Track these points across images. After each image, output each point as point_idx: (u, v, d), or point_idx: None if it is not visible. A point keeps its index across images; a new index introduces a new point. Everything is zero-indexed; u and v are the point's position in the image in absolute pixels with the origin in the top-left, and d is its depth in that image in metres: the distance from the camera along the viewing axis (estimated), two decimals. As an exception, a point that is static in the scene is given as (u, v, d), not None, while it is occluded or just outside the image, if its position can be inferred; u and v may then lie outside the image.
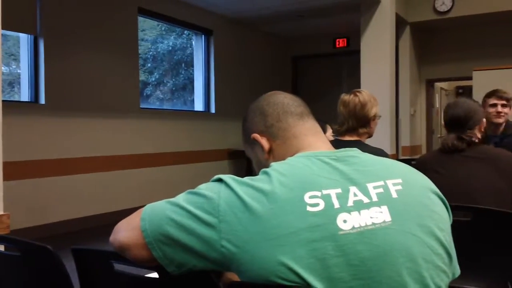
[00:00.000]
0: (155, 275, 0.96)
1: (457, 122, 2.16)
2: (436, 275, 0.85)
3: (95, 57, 5.37)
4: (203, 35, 7.06)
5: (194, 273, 0.88)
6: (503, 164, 2.11)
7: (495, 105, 3.13)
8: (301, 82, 9.21)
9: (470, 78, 7.04)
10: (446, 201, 0.97)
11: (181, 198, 0.89)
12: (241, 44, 7.71)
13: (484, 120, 2.25)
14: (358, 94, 2.36)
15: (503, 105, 3.11)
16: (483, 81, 6.61)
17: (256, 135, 1.06)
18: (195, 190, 0.90)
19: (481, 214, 1.93)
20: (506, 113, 3.07)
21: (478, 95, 4.96)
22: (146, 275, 1.04)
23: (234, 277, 0.92)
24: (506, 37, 7.56)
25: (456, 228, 1.75)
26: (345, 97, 2.39)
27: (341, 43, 8.32)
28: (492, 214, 1.95)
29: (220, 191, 0.87)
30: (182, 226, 0.85)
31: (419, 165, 2.32)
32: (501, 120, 3.04)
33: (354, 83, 6.33)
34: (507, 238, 1.92)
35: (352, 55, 7.19)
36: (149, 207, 0.91)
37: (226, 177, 0.89)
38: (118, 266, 1.00)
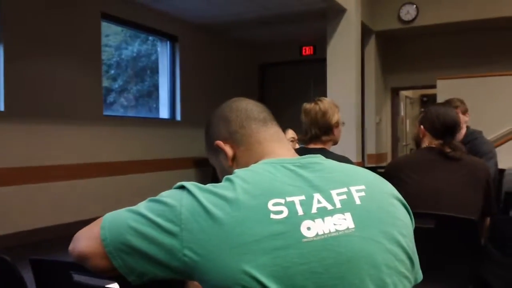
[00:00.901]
0: (116, 285, 0.95)
1: (450, 130, 2.21)
2: (398, 281, 0.86)
3: (57, 63, 5.23)
4: (168, 42, 6.98)
5: (156, 282, 0.87)
6: (480, 173, 2.13)
7: None
8: (268, 89, 9.22)
9: (434, 87, 7.19)
10: (409, 208, 0.97)
11: (142, 206, 0.88)
12: (208, 51, 7.67)
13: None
14: (318, 102, 2.38)
15: None
16: (447, 89, 6.75)
17: (219, 142, 1.05)
18: (157, 197, 0.89)
19: (445, 221, 1.93)
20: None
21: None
22: (107, 286, 1.03)
23: (196, 286, 0.91)
24: (470, 47, 7.77)
25: (420, 235, 1.73)
26: (306, 106, 2.41)
27: (307, 51, 8.38)
28: (455, 221, 1.95)
29: (182, 198, 0.85)
30: (143, 235, 0.84)
31: (393, 169, 2.32)
32: None
33: (321, 91, 6.36)
34: (469, 245, 1.92)
35: (319, 63, 7.24)
36: (109, 216, 0.90)
37: (189, 184, 0.88)
38: (78, 277, 0.99)
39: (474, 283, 1.92)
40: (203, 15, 6.73)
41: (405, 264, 0.88)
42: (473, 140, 3.18)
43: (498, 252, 1.96)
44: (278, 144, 1.04)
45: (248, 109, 1.06)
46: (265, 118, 1.06)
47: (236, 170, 0.92)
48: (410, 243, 0.91)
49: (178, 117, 7.04)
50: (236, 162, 1.03)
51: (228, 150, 1.03)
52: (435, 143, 2.20)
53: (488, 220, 2.19)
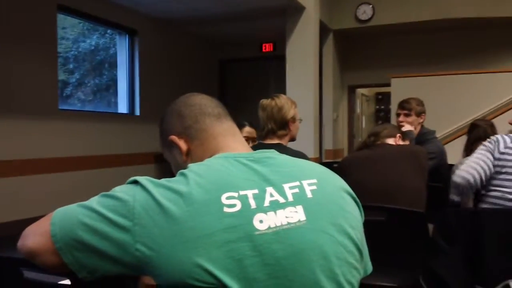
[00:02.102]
0: (67, 282, 0.93)
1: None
2: (348, 272, 0.89)
3: (10, 55, 5.06)
4: (127, 35, 6.87)
5: (108, 278, 0.86)
6: (420, 159, 2.28)
7: (398, 115, 3.38)
8: (228, 85, 9.22)
9: (389, 85, 7.39)
10: (359, 201, 1.01)
11: (95, 201, 0.87)
12: (168, 45, 7.59)
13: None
14: (275, 98, 2.45)
15: (405, 115, 3.34)
16: (400, 88, 6.97)
17: (173, 137, 1.05)
18: (109, 192, 0.88)
19: (395, 214, 2.02)
20: (409, 122, 3.29)
21: (395, 101, 5.20)
22: (59, 282, 1.00)
23: (150, 281, 0.91)
24: (423, 46, 8.01)
25: (372, 228, 1.81)
26: (263, 101, 2.47)
27: (267, 47, 8.42)
28: (405, 214, 2.05)
29: (136, 193, 0.85)
30: (95, 230, 0.83)
31: (345, 164, 2.42)
32: (404, 129, 3.22)
33: (280, 88, 6.43)
34: (419, 236, 2.01)
35: (279, 60, 7.30)
36: (60, 211, 0.88)
37: (142, 179, 0.88)
38: (28, 274, 0.96)
39: (423, 274, 2.01)
40: (163, 9, 6.66)
41: (355, 255, 0.91)
42: (425, 141, 3.31)
43: (446, 242, 2.06)
44: (232, 138, 1.05)
45: (203, 104, 1.07)
46: (220, 113, 1.07)
47: (190, 165, 0.92)
48: (359, 235, 0.94)
49: (137, 111, 6.95)
50: (190, 156, 1.04)
51: (182, 145, 1.04)
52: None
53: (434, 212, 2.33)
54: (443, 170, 3.21)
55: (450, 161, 3.55)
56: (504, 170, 2.09)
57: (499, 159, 2.12)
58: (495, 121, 3.65)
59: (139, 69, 6.92)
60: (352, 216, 0.94)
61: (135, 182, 0.88)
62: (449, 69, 7.44)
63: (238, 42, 8.63)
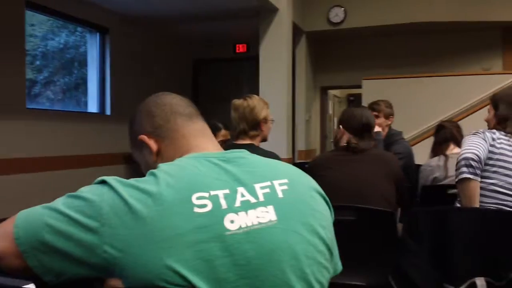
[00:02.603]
0: (32, 285, 0.92)
1: (367, 129, 2.46)
2: (317, 271, 0.89)
3: (-25, 52, 4.92)
4: (98, 33, 6.77)
5: (75, 281, 0.83)
6: (391, 166, 2.32)
7: None
8: (202, 85, 9.18)
9: (360, 87, 7.50)
10: (329, 201, 1.02)
11: (60, 202, 0.85)
12: (140, 44, 7.51)
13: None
14: (247, 98, 2.47)
15: (374, 116, 3.39)
16: (371, 89, 7.09)
17: (143, 137, 1.04)
18: (76, 193, 0.86)
19: (365, 214, 2.05)
20: (378, 124, 3.36)
21: (367, 102, 5.28)
22: (24, 286, 0.98)
23: (117, 284, 0.88)
24: (393, 49, 8.15)
25: (343, 227, 1.83)
26: (236, 102, 2.48)
27: (241, 48, 8.42)
28: (374, 214, 2.08)
29: (103, 193, 0.84)
30: (61, 232, 0.81)
31: (315, 165, 2.45)
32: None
33: (253, 88, 6.44)
34: (388, 235, 2.05)
35: (252, 61, 7.31)
36: (24, 213, 0.86)
37: (110, 179, 0.87)
38: None
39: (392, 273, 2.04)
40: (135, 8, 6.58)
41: (324, 255, 0.92)
42: (393, 142, 3.38)
43: (414, 242, 2.10)
44: (204, 139, 1.04)
45: (174, 103, 1.06)
46: (191, 113, 1.07)
47: (160, 164, 0.91)
48: (329, 235, 0.95)
49: (108, 111, 6.85)
50: (161, 156, 1.03)
51: (153, 144, 1.03)
52: (351, 140, 2.39)
53: (399, 210, 2.39)
54: (411, 170, 3.28)
55: (417, 161, 3.63)
56: (491, 162, 2.13)
57: (490, 151, 2.16)
58: (461, 122, 3.74)
59: (110, 68, 6.82)
60: (322, 215, 0.95)
61: (103, 182, 0.87)
62: (418, 71, 7.59)
63: (212, 42, 8.61)
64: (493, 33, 7.72)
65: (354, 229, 2.03)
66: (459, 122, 3.77)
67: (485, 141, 2.16)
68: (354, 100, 11.11)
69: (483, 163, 2.11)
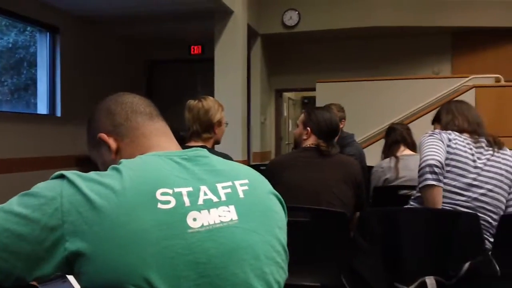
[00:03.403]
0: None
1: (332, 133, 2.45)
2: (276, 271, 0.91)
3: None
4: (48, 33, 6.55)
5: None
6: (351, 171, 2.35)
7: None
8: (156, 87, 9.06)
9: (314, 89, 7.60)
10: (284, 202, 1.04)
11: (15, 203, 0.81)
12: (92, 45, 7.33)
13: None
14: (202, 100, 2.43)
15: None
16: (325, 92, 7.20)
17: (102, 135, 1.02)
18: (31, 191, 0.83)
19: (319, 215, 2.08)
20: None
21: (320, 105, 5.36)
22: None
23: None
24: (347, 53, 8.31)
25: (298, 228, 1.85)
26: (190, 102, 2.44)
27: (196, 50, 8.37)
28: (328, 215, 2.11)
29: (62, 189, 0.81)
30: (19, 235, 0.77)
31: (275, 166, 2.45)
32: None
33: (209, 90, 6.41)
34: (341, 236, 2.08)
35: (207, 63, 7.27)
36: None
37: (69, 173, 0.84)
38: None
39: (345, 273, 2.08)
40: (87, 7, 6.42)
41: (281, 255, 0.93)
42: (345, 145, 3.44)
43: (366, 242, 2.14)
44: (164, 138, 1.03)
45: (134, 102, 1.05)
46: (151, 112, 1.06)
47: (122, 160, 0.90)
48: (285, 235, 0.97)
49: (58, 113, 6.64)
50: (120, 155, 1.01)
51: (112, 143, 1.01)
52: (317, 143, 2.40)
53: (357, 214, 2.42)
54: (363, 172, 3.35)
55: (369, 163, 3.72)
56: (446, 162, 2.17)
57: (447, 152, 2.20)
58: (412, 125, 3.86)
59: (60, 69, 6.62)
60: (279, 217, 0.97)
61: (61, 177, 0.84)
62: (371, 75, 7.78)
63: (166, 43, 8.51)
64: (443, 38, 8.02)
65: (308, 230, 2.06)
66: (410, 124, 3.89)
67: (442, 142, 2.20)
68: (309, 103, 11.25)
69: (444, 168, 2.14)
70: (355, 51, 8.26)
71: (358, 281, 2.05)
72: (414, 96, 7.04)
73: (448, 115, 2.37)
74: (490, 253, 2.05)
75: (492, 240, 2.10)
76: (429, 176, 2.09)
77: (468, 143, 2.20)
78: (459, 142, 2.20)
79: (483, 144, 2.22)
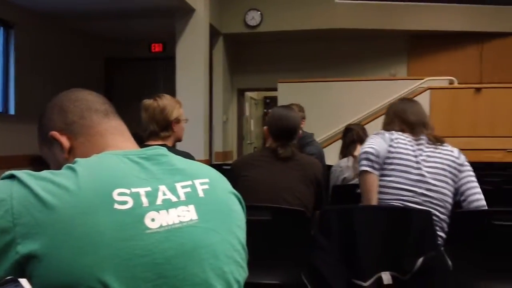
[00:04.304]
0: None
1: (286, 134, 2.41)
2: (235, 270, 0.90)
3: None
4: (1, 28, 6.34)
5: None
6: (311, 170, 2.38)
7: None
8: (115, 85, 8.90)
9: (276, 89, 7.66)
10: (243, 202, 1.03)
11: None
12: (49, 41, 7.13)
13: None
14: (157, 98, 2.39)
15: None
16: (286, 92, 7.28)
17: (54, 133, 0.98)
18: None
19: (280, 213, 2.10)
20: None
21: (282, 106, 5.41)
22: None
23: None
24: (308, 53, 8.41)
25: (259, 226, 1.86)
26: (146, 102, 2.40)
27: (156, 48, 8.27)
28: (289, 213, 2.14)
29: (13, 189, 0.78)
30: None
31: (237, 166, 2.46)
32: None
33: (170, 89, 6.35)
34: (301, 234, 2.11)
35: (168, 61, 7.21)
36: None
37: (20, 173, 0.80)
38: None
39: (305, 270, 2.11)
40: (44, 2, 6.24)
41: (241, 254, 0.93)
42: (305, 144, 3.49)
43: (325, 240, 2.18)
44: (121, 137, 1.01)
45: (89, 99, 1.02)
46: (107, 110, 1.02)
47: (77, 159, 0.87)
48: (244, 235, 0.96)
49: (12, 110, 6.43)
50: (73, 154, 0.97)
51: (65, 141, 0.97)
52: (273, 144, 2.40)
53: (317, 212, 2.46)
54: (322, 170, 3.41)
55: (328, 162, 3.78)
56: (389, 161, 2.27)
57: (388, 151, 2.29)
58: (369, 125, 3.96)
59: (14, 65, 6.40)
60: (239, 216, 0.97)
61: (12, 177, 0.80)
62: (331, 76, 7.90)
63: (126, 41, 8.38)
64: (399, 41, 8.25)
65: (269, 229, 2.07)
66: (368, 125, 3.98)
67: (384, 140, 2.32)
68: (270, 103, 11.31)
69: (381, 158, 2.26)
70: (316, 52, 8.37)
71: (318, 278, 2.08)
72: (372, 97, 7.20)
73: (387, 118, 2.52)
74: (442, 248, 2.13)
75: (443, 235, 2.18)
76: (363, 162, 2.25)
77: (409, 141, 2.32)
78: (400, 141, 2.31)
79: (424, 142, 2.32)
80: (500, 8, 7.92)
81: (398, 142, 2.30)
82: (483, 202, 2.24)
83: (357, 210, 2.24)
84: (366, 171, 2.24)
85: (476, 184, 2.28)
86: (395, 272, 2.09)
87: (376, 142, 2.29)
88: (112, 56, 8.79)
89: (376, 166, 2.24)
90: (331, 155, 4.18)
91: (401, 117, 2.42)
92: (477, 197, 2.24)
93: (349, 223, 2.14)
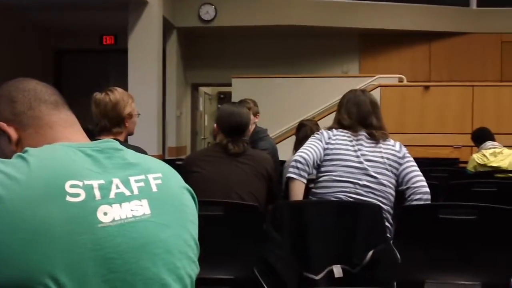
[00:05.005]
0: None
1: (238, 130, 2.40)
2: (188, 266, 0.90)
3: None
4: None
5: None
6: (263, 165, 2.40)
7: None
8: (65, 77, 8.65)
9: (230, 85, 7.66)
10: (195, 197, 1.03)
11: None
12: (-5, 31, 6.83)
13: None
14: (109, 93, 2.30)
15: None
16: (240, 88, 7.29)
17: (1, 124, 0.94)
18: None
19: (232, 208, 2.11)
20: None
21: (236, 100, 5.41)
22: None
23: None
24: (263, 49, 8.45)
25: (211, 221, 1.86)
26: (97, 96, 2.31)
27: (108, 40, 8.09)
28: (241, 208, 2.15)
29: None
30: None
31: (188, 162, 2.45)
32: None
33: (122, 82, 6.23)
34: (254, 228, 2.13)
35: (120, 54, 7.06)
36: None
37: None
38: None
39: (257, 265, 2.12)
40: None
41: (193, 249, 0.93)
42: (258, 140, 3.51)
43: (278, 234, 2.20)
44: (71, 129, 0.98)
45: (38, 90, 0.98)
46: (57, 101, 0.99)
47: (28, 148, 0.84)
48: (196, 230, 0.96)
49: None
50: (21, 146, 0.92)
51: (12, 133, 0.93)
52: (224, 140, 2.41)
53: (270, 207, 2.48)
54: (275, 165, 3.44)
55: (282, 158, 3.82)
56: (330, 157, 2.34)
57: (326, 148, 2.36)
58: (322, 121, 4.02)
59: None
60: (191, 211, 0.97)
61: None
62: (285, 72, 7.98)
63: (77, 32, 8.14)
64: (351, 39, 8.43)
65: (222, 224, 2.07)
66: (321, 121, 4.05)
67: (321, 141, 2.40)
68: (224, 98, 11.30)
69: (311, 165, 2.35)
70: (270, 48, 8.42)
71: (270, 272, 2.10)
72: (325, 93, 7.32)
73: (337, 113, 2.59)
74: (391, 241, 2.19)
75: (389, 226, 2.26)
76: (290, 169, 2.36)
77: (348, 136, 2.40)
78: (339, 137, 2.40)
79: (364, 137, 2.40)
80: (448, 8, 8.24)
81: (336, 139, 2.39)
82: (426, 189, 2.32)
83: (309, 204, 2.28)
84: (292, 178, 2.34)
85: (419, 172, 2.37)
86: (346, 265, 2.13)
87: (308, 149, 2.37)
88: (62, 48, 8.53)
89: (303, 173, 2.34)
90: (285, 151, 4.22)
91: (350, 112, 2.47)
92: (420, 184, 2.32)
93: (301, 217, 2.17)
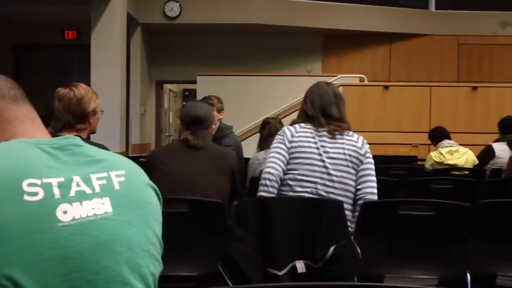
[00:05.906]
0: None
1: (198, 122, 2.41)
2: (151, 264, 0.89)
3: None
4: None
5: None
6: (226, 161, 2.41)
7: None
8: (24, 73, 8.40)
9: (195, 82, 7.63)
10: (160, 194, 1.02)
11: None
12: None
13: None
14: (73, 88, 2.27)
15: None
16: (206, 85, 7.28)
17: None
18: None
19: (196, 205, 2.12)
20: None
21: (200, 98, 5.40)
22: None
23: None
24: (228, 47, 8.46)
25: (175, 218, 1.87)
26: (60, 91, 2.28)
27: (70, 35, 7.92)
28: (205, 205, 2.16)
29: None
30: None
31: (151, 158, 2.44)
32: None
33: (85, 78, 6.11)
34: (218, 225, 2.15)
35: (83, 49, 6.92)
36: None
37: None
38: None
39: (222, 261, 2.14)
40: None
41: (156, 247, 0.91)
42: (222, 136, 3.53)
43: (242, 230, 2.22)
44: (31, 125, 0.95)
45: None
46: (16, 95, 0.96)
47: None
48: (160, 227, 0.95)
49: None
50: None
51: None
52: (185, 135, 2.43)
53: (234, 203, 2.50)
54: (240, 162, 3.46)
55: (247, 155, 3.85)
56: (293, 155, 2.36)
57: (290, 147, 2.37)
58: (286, 119, 4.07)
59: None
60: (155, 208, 0.96)
61: None
62: (250, 70, 8.01)
63: (37, 26, 7.91)
64: (315, 38, 8.54)
65: (186, 221, 2.08)
66: (285, 120, 4.09)
67: (284, 144, 2.38)
68: (189, 95, 11.23)
69: (279, 179, 2.35)
70: (235, 46, 8.43)
71: (234, 268, 2.11)
72: (289, 92, 7.39)
73: (302, 103, 2.59)
74: (352, 237, 2.25)
75: (350, 224, 2.31)
76: (260, 188, 2.35)
77: (311, 133, 2.39)
78: (302, 134, 2.39)
79: (325, 133, 2.40)
80: (408, 11, 8.46)
81: (300, 136, 2.38)
82: (375, 197, 2.35)
83: (272, 201, 2.31)
84: (262, 196, 2.34)
85: (373, 176, 2.40)
86: (308, 261, 2.17)
87: (275, 161, 2.35)
88: (21, 43, 8.29)
89: (272, 190, 2.34)
90: (249, 148, 4.25)
91: (313, 103, 2.49)
92: (370, 190, 2.35)
93: (264, 214, 2.19)
